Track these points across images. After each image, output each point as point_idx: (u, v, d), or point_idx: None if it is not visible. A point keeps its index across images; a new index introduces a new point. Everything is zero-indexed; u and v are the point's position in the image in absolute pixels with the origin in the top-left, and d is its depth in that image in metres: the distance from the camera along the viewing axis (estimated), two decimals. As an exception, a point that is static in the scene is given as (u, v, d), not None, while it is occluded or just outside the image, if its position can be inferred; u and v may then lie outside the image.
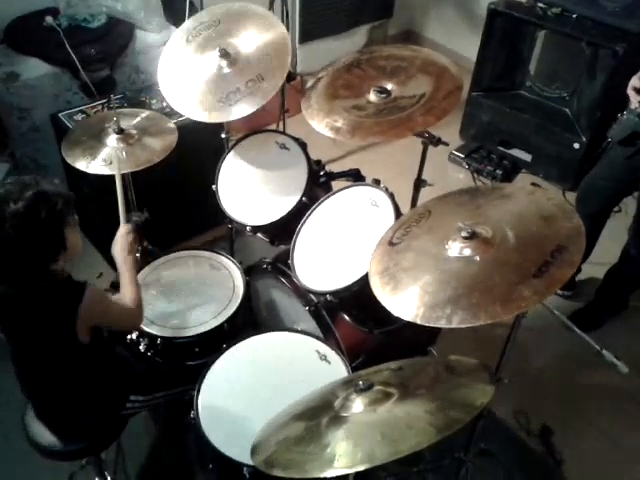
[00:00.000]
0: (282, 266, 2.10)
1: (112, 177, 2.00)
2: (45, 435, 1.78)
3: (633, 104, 2.18)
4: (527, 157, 3.64)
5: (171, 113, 2.36)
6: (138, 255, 2.37)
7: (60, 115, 2.68)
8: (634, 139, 2.24)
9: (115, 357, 1.90)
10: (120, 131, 2.08)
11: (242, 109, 1.98)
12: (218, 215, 2.29)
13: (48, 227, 1.53)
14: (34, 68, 2.86)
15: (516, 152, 3.68)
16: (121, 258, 1.83)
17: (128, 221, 1.94)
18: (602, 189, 2.54)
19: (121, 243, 1.85)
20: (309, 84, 2.08)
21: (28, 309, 1.59)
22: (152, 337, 1.99)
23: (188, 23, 2.25)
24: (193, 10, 3.10)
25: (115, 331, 1.93)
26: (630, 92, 2.19)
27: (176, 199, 2.73)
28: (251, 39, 2.12)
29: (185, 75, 2.12)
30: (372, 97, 1.90)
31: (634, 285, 2.71)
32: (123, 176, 2.16)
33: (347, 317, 2.03)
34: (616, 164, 2.41)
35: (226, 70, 2.07)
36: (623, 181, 2.45)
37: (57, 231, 1.54)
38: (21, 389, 1.78)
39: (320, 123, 1.87)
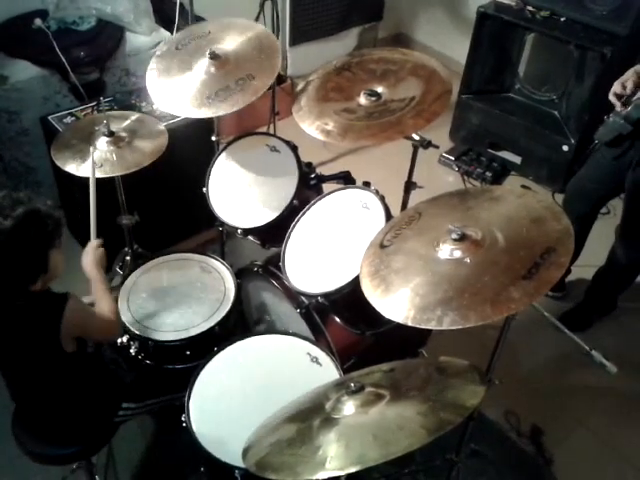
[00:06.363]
0: (273, 268, 2.11)
1: (103, 180, 2.00)
2: (35, 440, 1.77)
3: (618, 107, 2.20)
4: (516, 159, 3.66)
5: (161, 116, 2.36)
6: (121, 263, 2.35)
7: (49, 118, 2.66)
8: (620, 141, 2.27)
9: (104, 366, 1.89)
10: (110, 134, 2.08)
11: (231, 104, 1.98)
12: (209, 218, 2.28)
13: (34, 247, 1.50)
14: (23, 71, 2.84)
15: (506, 154, 3.70)
16: (94, 271, 1.81)
17: (98, 235, 1.91)
18: (589, 191, 2.55)
19: (93, 256, 1.82)
20: (299, 87, 2.08)
21: (10, 323, 1.56)
22: (143, 340, 1.98)
23: (178, 35, 2.25)
24: (183, 13, 3.11)
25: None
26: (611, 98, 2.21)
27: (166, 202, 2.72)
28: (240, 42, 2.12)
29: (174, 77, 2.11)
30: (362, 100, 1.90)
31: (622, 286, 2.73)
32: (114, 179, 2.16)
33: (338, 319, 2.03)
34: (603, 166, 2.43)
35: (216, 71, 2.07)
36: (610, 183, 2.47)
37: (42, 252, 1.52)
38: (10, 395, 1.77)
39: (311, 126, 1.88)
